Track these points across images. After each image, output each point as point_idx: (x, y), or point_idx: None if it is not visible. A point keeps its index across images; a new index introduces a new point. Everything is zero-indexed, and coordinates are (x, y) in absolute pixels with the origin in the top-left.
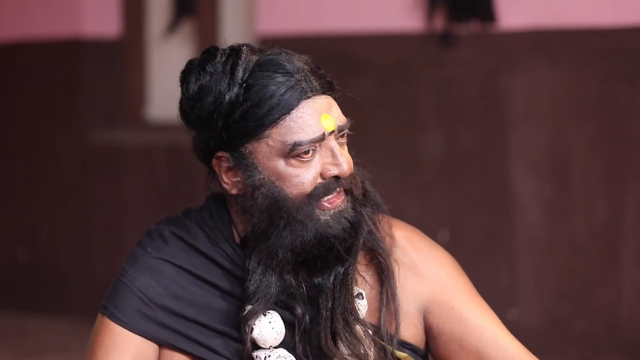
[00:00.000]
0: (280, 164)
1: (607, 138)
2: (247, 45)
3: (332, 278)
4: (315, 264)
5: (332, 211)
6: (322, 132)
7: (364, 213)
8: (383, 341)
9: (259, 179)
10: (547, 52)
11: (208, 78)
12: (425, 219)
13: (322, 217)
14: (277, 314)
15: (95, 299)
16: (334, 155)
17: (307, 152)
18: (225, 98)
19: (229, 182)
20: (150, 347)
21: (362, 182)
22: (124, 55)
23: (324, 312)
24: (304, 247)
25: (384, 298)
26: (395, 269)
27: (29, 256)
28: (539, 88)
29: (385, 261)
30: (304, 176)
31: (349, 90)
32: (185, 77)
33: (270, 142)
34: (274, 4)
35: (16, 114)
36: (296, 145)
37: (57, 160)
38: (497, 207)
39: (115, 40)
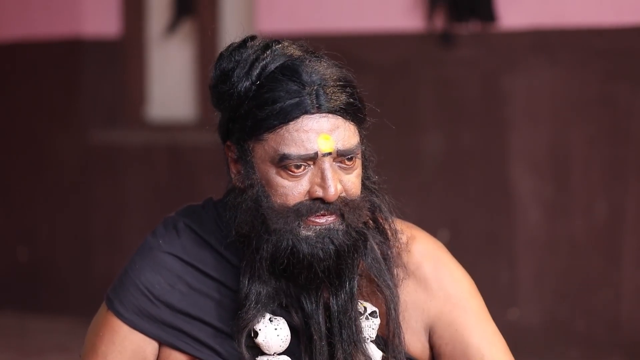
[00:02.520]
0: (271, 171)
1: (607, 138)
2: (289, 41)
3: (320, 306)
4: (297, 282)
5: (318, 227)
6: (314, 151)
7: (369, 241)
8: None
9: (253, 179)
10: (547, 52)
11: (231, 65)
12: (425, 219)
13: (304, 232)
14: (283, 320)
15: (95, 299)
16: (323, 178)
17: (298, 167)
18: (236, 90)
19: (235, 172)
20: (149, 345)
21: (373, 211)
22: (124, 55)
23: (318, 341)
24: (275, 257)
25: (389, 331)
26: (405, 283)
27: (29, 256)
28: (539, 88)
29: (388, 296)
30: (289, 189)
31: None
32: (218, 57)
33: (266, 147)
34: (274, 3)
35: (16, 113)
36: (285, 157)
37: (57, 160)
38: (497, 207)
39: (115, 40)
